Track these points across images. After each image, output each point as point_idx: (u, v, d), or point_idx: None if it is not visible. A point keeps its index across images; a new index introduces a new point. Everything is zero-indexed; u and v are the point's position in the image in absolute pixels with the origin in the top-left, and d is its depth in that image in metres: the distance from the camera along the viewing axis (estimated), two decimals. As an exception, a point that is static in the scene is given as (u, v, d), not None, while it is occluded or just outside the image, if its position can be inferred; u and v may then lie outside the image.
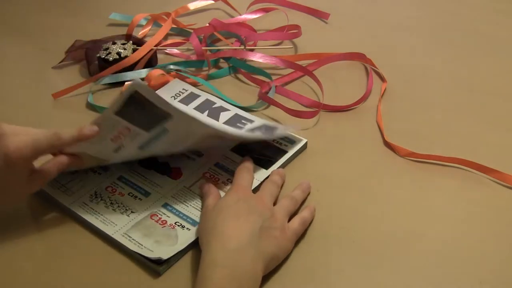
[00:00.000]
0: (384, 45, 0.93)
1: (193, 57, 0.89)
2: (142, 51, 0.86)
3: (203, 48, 0.89)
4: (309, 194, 0.66)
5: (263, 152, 0.71)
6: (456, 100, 0.81)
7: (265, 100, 0.79)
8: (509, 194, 0.66)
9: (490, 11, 1.01)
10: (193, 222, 0.62)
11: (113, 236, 0.61)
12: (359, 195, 0.66)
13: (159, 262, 0.57)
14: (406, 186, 0.68)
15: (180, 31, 0.96)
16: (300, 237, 0.61)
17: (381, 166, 0.70)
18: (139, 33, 0.96)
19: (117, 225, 0.62)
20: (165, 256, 0.57)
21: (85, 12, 1.05)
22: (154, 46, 0.88)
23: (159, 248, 0.59)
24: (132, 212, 0.63)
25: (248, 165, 0.67)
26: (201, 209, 0.63)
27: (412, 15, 1.02)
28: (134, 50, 0.87)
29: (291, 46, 0.93)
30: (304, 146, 0.72)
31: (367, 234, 0.62)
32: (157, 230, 0.61)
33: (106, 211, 0.64)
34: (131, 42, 0.88)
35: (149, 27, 0.98)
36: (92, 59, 0.88)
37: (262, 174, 0.68)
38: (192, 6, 1.03)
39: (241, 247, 0.55)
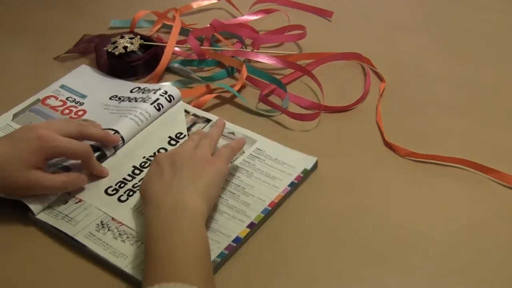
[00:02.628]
0: (384, 44, 0.93)
1: (194, 56, 0.89)
2: (168, 52, 0.87)
3: (206, 48, 0.89)
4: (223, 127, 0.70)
5: None
6: (456, 100, 0.81)
7: (265, 103, 0.79)
8: (509, 194, 0.66)
9: (490, 11, 1.01)
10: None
11: (124, 269, 0.58)
12: (359, 195, 0.66)
13: None
14: (406, 186, 0.68)
15: (182, 30, 0.96)
16: (300, 237, 0.61)
17: (381, 166, 0.70)
18: (150, 31, 0.97)
19: (127, 257, 0.59)
20: None
21: (86, 12, 1.06)
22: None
23: None
24: (142, 243, 0.60)
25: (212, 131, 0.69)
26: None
27: (412, 15, 1.02)
28: (141, 45, 0.88)
29: (294, 51, 0.93)
30: (315, 166, 0.70)
31: (367, 234, 0.62)
32: None
33: (114, 242, 0.61)
34: (138, 37, 0.89)
35: (159, 25, 0.98)
36: (101, 53, 0.89)
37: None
38: (195, 5, 1.03)
39: (175, 187, 0.59)
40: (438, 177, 0.69)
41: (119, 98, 0.80)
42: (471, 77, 0.85)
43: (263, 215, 0.63)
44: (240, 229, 0.61)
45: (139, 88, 0.82)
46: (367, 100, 0.81)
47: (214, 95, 0.82)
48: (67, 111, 0.80)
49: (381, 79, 0.85)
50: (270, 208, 0.64)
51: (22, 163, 0.61)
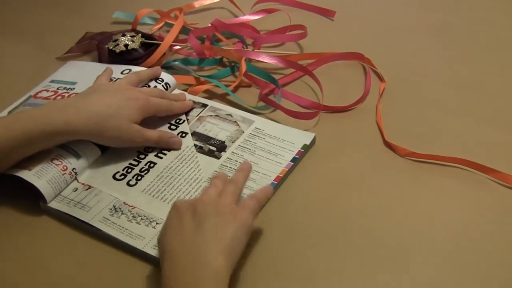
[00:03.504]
0: (384, 44, 0.93)
1: (194, 55, 0.89)
2: (163, 47, 0.87)
3: (206, 45, 0.89)
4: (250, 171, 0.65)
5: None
6: (456, 100, 0.81)
7: (265, 101, 0.79)
8: (509, 194, 0.66)
9: (490, 11, 1.01)
10: None
11: (144, 249, 0.59)
12: (359, 195, 0.67)
13: None
14: (406, 186, 0.68)
15: (183, 29, 0.97)
16: (300, 237, 0.61)
17: (381, 166, 0.70)
18: (151, 29, 0.97)
19: (145, 238, 0.61)
20: None
21: (87, 12, 1.06)
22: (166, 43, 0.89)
23: None
24: (157, 223, 0.62)
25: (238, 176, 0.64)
26: None
27: (412, 15, 1.02)
28: (142, 43, 0.88)
29: (296, 51, 0.93)
30: (313, 141, 0.73)
31: (367, 234, 0.62)
32: None
33: (130, 225, 0.62)
34: (140, 35, 0.89)
35: (162, 24, 0.99)
36: (103, 50, 0.89)
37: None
38: (197, 4, 1.03)
39: (193, 247, 0.54)
40: (438, 177, 0.69)
41: (111, 80, 0.80)
42: (471, 77, 0.86)
43: None
44: None
45: (130, 70, 0.82)
46: (367, 100, 0.81)
47: (208, 86, 0.83)
48: (59, 97, 0.80)
49: (381, 79, 0.85)
50: (276, 183, 0.67)
51: (127, 117, 0.68)
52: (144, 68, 0.81)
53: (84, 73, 0.85)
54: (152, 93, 0.74)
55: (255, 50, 0.90)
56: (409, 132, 0.75)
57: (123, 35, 0.88)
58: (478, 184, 0.68)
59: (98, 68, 0.85)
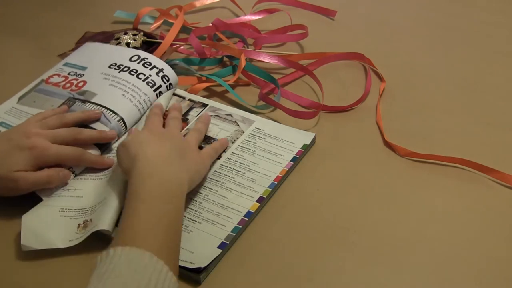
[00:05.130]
0: (384, 44, 0.94)
1: (195, 55, 0.90)
2: (163, 46, 0.87)
3: (206, 42, 0.89)
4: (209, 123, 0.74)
5: None
6: (455, 100, 0.81)
7: (265, 101, 0.79)
8: (509, 194, 0.66)
9: (490, 11, 1.01)
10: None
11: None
12: (359, 195, 0.67)
13: (198, 271, 0.57)
14: (406, 186, 0.68)
15: (184, 29, 0.97)
16: (300, 237, 0.61)
17: (381, 166, 0.71)
18: (150, 28, 0.98)
19: None
20: (203, 264, 0.57)
21: (87, 12, 1.06)
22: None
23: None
24: None
25: (173, 113, 0.73)
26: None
27: (413, 15, 1.02)
28: (143, 42, 0.88)
29: (296, 51, 0.93)
30: (313, 141, 0.73)
31: (367, 234, 0.62)
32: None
33: None
34: (142, 33, 0.89)
35: (161, 21, 0.99)
36: None
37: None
38: (198, 3, 1.03)
39: (164, 159, 0.60)
40: (438, 177, 0.69)
41: (118, 67, 0.80)
42: (471, 77, 0.86)
43: (270, 189, 0.66)
44: (250, 204, 0.64)
45: (139, 56, 0.82)
46: (367, 100, 0.81)
47: (208, 84, 0.83)
48: (68, 84, 0.80)
49: (381, 79, 0.85)
50: (276, 183, 0.67)
51: (11, 166, 0.62)
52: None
53: (96, 57, 0.84)
54: (56, 138, 0.66)
55: (256, 49, 0.91)
56: (409, 132, 0.75)
57: (125, 34, 0.88)
58: (478, 184, 0.68)
59: (110, 51, 0.84)
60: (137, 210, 0.54)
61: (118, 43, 0.87)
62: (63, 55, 0.92)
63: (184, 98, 0.80)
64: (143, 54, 0.82)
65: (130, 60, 0.81)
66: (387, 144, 0.73)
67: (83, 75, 0.81)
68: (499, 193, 0.67)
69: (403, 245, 0.61)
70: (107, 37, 0.91)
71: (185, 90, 0.82)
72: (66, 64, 0.84)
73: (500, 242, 0.61)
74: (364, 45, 0.91)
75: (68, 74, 0.82)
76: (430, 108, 0.80)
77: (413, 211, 0.64)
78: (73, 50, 0.92)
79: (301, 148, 0.71)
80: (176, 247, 0.54)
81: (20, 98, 0.79)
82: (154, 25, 0.98)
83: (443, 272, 0.58)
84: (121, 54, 0.83)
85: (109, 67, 0.81)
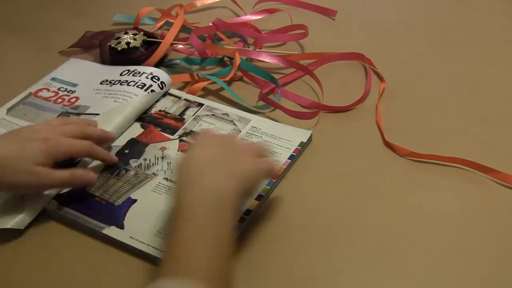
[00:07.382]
0: (384, 44, 0.94)
1: (196, 54, 0.90)
2: (163, 46, 0.87)
3: (207, 43, 0.89)
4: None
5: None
6: (455, 100, 0.81)
7: (265, 101, 0.79)
8: (509, 194, 0.66)
9: (490, 11, 1.01)
10: None
11: (144, 250, 0.60)
12: (359, 195, 0.67)
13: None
14: (406, 186, 0.68)
15: (184, 28, 0.97)
16: (300, 237, 0.61)
17: (381, 166, 0.71)
18: (153, 28, 0.98)
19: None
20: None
21: (88, 12, 1.06)
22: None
23: None
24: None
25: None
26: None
27: (413, 15, 1.02)
28: (144, 41, 0.88)
29: (297, 51, 0.93)
30: (310, 139, 0.73)
31: (367, 234, 0.62)
32: None
33: None
34: (142, 33, 0.89)
35: (163, 22, 0.99)
36: (105, 49, 0.89)
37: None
38: (199, 3, 1.03)
39: (211, 165, 0.55)
40: (438, 177, 0.69)
41: (110, 82, 0.81)
42: (471, 77, 0.86)
43: (269, 187, 0.66)
44: (250, 202, 0.64)
45: (129, 70, 0.83)
46: (367, 100, 0.81)
47: (206, 83, 0.83)
48: (60, 100, 0.80)
49: (381, 79, 0.85)
50: (274, 181, 0.67)
51: (30, 159, 0.60)
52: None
53: (85, 75, 0.85)
54: (65, 132, 0.66)
55: (256, 49, 0.91)
56: (409, 132, 0.75)
57: (126, 33, 0.88)
58: (478, 184, 0.68)
59: (100, 69, 0.85)
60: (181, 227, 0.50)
61: (118, 43, 0.87)
62: (63, 52, 0.92)
63: (180, 98, 0.80)
64: (132, 67, 0.83)
65: (120, 74, 0.83)
66: (387, 144, 0.73)
67: (75, 91, 0.82)
68: (499, 193, 0.67)
69: (403, 245, 0.61)
70: (107, 37, 0.91)
71: (183, 90, 0.82)
72: (54, 79, 0.85)
73: (500, 242, 0.61)
74: (364, 45, 0.91)
75: (58, 89, 0.82)
76: (430, 108, 0.80)
77: (413, 211, 0.64)
78: (73, 47, 0.93)
79: (298, 146, 0.71)
80: (227, 272, 0.50)
81: (9, 110, 0.79)
82: (157, 25, 0.98)
83: (443, 272, 0.58)
84: (112, 71, 0.84)
85: (101, 83, 0.82)
